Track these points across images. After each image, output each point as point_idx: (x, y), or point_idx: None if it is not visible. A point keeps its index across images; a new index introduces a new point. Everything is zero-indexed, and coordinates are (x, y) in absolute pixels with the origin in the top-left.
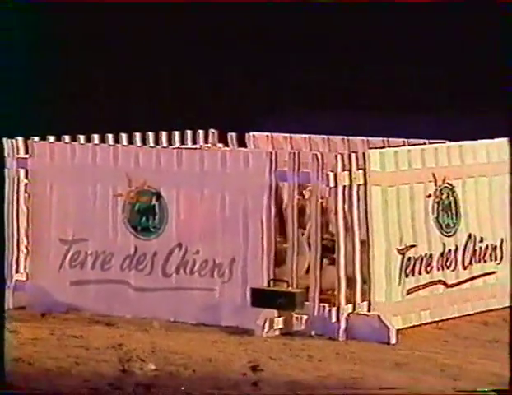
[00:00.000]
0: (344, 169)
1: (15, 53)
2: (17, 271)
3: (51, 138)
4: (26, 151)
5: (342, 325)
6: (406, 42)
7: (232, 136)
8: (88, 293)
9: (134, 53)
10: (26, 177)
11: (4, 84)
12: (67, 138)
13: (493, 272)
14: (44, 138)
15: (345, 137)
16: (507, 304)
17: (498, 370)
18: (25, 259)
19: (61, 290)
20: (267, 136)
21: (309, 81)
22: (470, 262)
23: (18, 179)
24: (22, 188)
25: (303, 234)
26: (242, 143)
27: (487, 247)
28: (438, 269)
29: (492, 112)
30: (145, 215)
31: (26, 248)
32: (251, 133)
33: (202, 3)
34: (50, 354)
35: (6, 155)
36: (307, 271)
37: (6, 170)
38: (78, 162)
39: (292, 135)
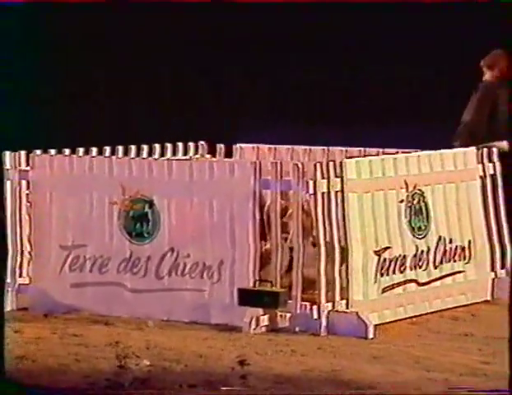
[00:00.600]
0: (323, 177)
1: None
2: (21, 275)
3: (52, 151)
4: (28, 164)
5: (323, 322)
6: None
7: (221, 147)
8: (87, 295)
9: (132, 72)
10: (28, 188)
11: (8, 103)
12: (66, 151)
13: (462, 271)
14: (44, 151)
15: (324, 148)
16: (474, 301)
17: (467, 362)
18: (28, 264)
19: (62, 292)
20: (253, 147)
21: (293, 97)
22: (440, 262)
23: (20, 190)
24: (24, 198)
25: (286, 239)
26: (230, 154)
27: (456, 248)
28: (411, 269)
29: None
30: (139, 221)
31: (29, 253)
32: (238, 145)
33: (189, 20)
34: (52, 352)
35: (9, 167)
36: (287, 271)
37: (9, 182)
38: (76, 173)
39: (276, 146)
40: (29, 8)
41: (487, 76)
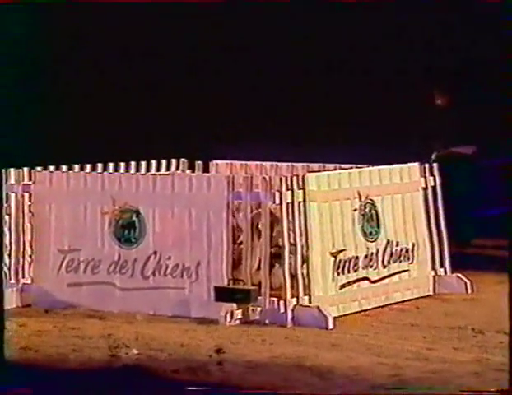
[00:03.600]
0: (287, 189)
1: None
2: (23, 276)
3: (51, 168)
4: (30, 179)
5: (289, 315)
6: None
7: (199, 164)
8: (82, 293)
9: (121, 97)
10: (30, 199)
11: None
12: (64, 168)
13: (407, 270)
14: (44, 168)
15: (289, 164)
16: (418, 295)
17: (413, 348)
18: (30, 266)
19: (60, 290)
20: (227, 163)
21: (260, 119)
22: (388, 262)
23: (23, 201)
24: (27, 209)
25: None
26: (207, 170)
27: (401, 250)
28: (363, 268)
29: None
30: (127, 229)
31: (30, 256)
32: (214, 162)
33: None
34: (52, 343)
35: (13, 182)
36: (258, 269)
37: (13, 194)
38: (72, 187)
39: (247, 162)
40: (23, 36)
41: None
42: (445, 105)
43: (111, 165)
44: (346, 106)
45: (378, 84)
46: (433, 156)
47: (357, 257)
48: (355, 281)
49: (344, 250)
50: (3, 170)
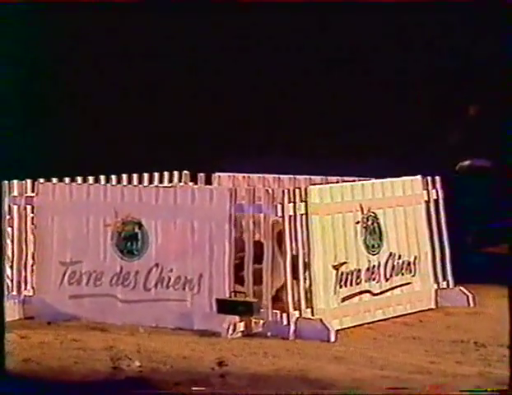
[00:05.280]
0: (290, 202)
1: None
2: (26, 288)
3: (54, 180)
4: (33, 191)
5: (292, 327)
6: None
7: (201, 176)
8: (84, 305)
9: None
10: (33, 211)
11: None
12: (67, 180)
13: (409, 283)
14: (47, 180)
15: (292, 176)
16: (421, 308)
17: (415, 361)
18: (32, 278)
19: (62, 302)
20: (229, 176)
21: (263, 132)
22: (390, 275)
23: (26, 213)
24: (29, 221)
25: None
26: (209, 182)
27: (404, 263)
28: (365, 281)
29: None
30: (129, 241)
31: (32, 268)
32: (216, 174)
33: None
34: (55, 355)
35: (16, 194)
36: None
37: (16, 206)
38: (75, 199)
39: (249, 174)
40: (25, 40)
41: None
42: (474, 116)
43: (114, 177)
44: (350, 119)
45: (382, 96)
46: (457, 167)
47: (359, 270)
48: (357, 294)
49: (346, 263)
50: (6, 183)
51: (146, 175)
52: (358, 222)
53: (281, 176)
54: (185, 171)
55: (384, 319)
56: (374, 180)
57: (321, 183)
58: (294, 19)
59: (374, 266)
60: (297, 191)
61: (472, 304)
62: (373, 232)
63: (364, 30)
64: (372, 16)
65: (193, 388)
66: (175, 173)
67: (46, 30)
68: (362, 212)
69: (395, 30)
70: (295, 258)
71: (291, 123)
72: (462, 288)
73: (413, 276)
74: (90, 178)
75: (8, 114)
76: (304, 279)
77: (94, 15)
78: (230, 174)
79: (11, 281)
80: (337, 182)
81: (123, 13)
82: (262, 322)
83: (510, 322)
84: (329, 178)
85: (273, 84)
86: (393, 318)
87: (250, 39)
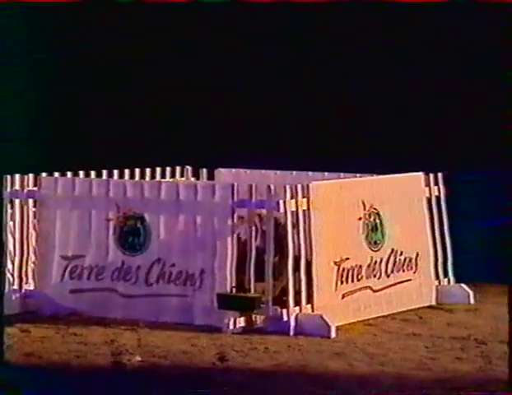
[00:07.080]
0: (291, 198)
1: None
2: (27, 282)
3: (56, 174)
4: (35, 185)
5: (292, 323)
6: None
7: (203, 171)
8: (85, 299)
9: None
10: (35, 206)
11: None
12: (69, 174)
13: (410, 280)
14: (50, 174)
15: (294, 172)
16: (421, 305)
17: (415, 357)
18: (34, 272)
19: (63, 297)
20: (231, 171)
21: (265, 128)
22: (392, 272)
23: (28, 208)
24: (31, 215)
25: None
26: (211, 177)
27: (405, 259)
28: (366, 277)
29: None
30: (131, 235)
31: (34, 263)
32: (219, 169)
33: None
34: (56, 349)
35: (18, 188)
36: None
37: (17, 200)
38: (77, 193)
39: (251, 170)
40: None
41: None
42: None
43: (116, 172)
44: (351, 116)
45: (381, 94)
46: None
47: (360, 266)
48: (357, 290)
49: (348, 259)
50: (9, 177)
51: (148, 170)
52: (360, 218)
53: (284, 172)
54: (187, 166)
55: (385, 316)
56: (376, 176)
57: (323, 179)
58: (294, 17)
59: (375, 262)
60: (299, 187)
61: (472, 301)
62: (375, 228)
63: (364, 30)
64: (371, 16)
65: (194, 383)
66: (177, 168)
67: (43, 29)
68: (364, 209)
69: (395, 30)
70: (296, 254)
71: (294, 119)
72: (462, 285)
73: (414, 272)
74: (93, 173)
75: (11, 109)
76: (306, 275)
77: (92, 12)
78: (233, 169)
79: (12, 275)
80: (340, 178)
81: (122, 12)
82: (262, 317)
83: (510, 319)
84: (332, 174)
85: (275, 80)
86: (393, 314)
87: (252, 35)
